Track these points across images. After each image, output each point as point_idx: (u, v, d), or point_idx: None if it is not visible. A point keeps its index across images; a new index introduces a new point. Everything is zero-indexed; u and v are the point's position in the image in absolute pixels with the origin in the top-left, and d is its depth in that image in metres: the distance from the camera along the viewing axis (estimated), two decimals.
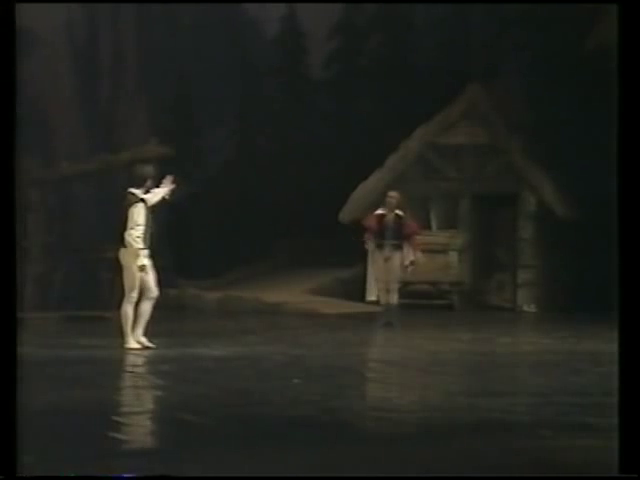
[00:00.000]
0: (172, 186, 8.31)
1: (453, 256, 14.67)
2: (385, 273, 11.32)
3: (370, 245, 11.43)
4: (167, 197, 8.32)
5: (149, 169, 8.34)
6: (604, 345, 8.65)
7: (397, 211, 11.78)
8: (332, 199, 15.47)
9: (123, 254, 8.12)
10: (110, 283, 13.23)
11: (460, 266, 14.69)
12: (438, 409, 5.40)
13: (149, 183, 8.18)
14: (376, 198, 13.78)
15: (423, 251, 14.39)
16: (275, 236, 17.21)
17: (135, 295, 8.15)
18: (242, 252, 16.86)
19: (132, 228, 7.99)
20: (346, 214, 15.02)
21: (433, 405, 5.59)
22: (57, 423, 4.80)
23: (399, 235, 11.34)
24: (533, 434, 4.62)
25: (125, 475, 3.57)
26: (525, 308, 14.46)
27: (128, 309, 8.15)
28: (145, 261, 8.04)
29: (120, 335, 8.20)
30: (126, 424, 4.85)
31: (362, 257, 13.98)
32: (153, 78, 18.14)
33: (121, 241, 8.09)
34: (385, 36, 18.82)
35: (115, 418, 4.90)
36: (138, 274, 8.04)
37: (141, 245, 8.02)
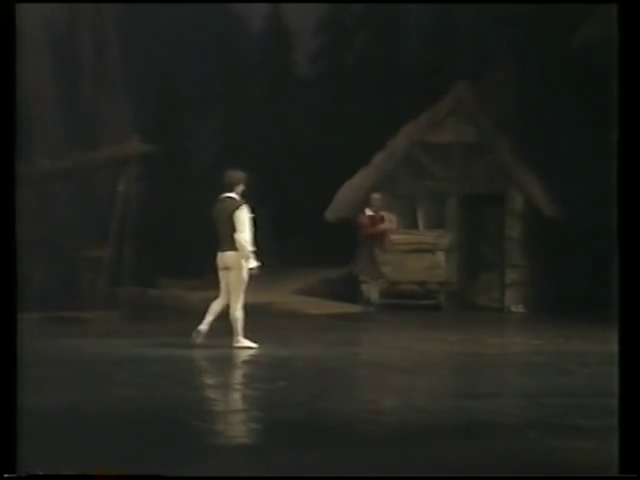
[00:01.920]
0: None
1: (440, 256, 14.69)
2: (376, 272, 11.94)
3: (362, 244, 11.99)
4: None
5: (240, 174, 8.54)
6: (593, 345, 8.69)
7: (382, 213, 12.23)
8: (318, 198, 15.45)
9: (230, 257, 8.33)
10: (91, 283, 13.17)
11: (447, 266, 14.71)
12: (425, 411, 5.41)
13: (240, 187, 8.42)
14: (362, 197, 13.80)
15: (410, 251, 14.54)
16: (260, 235, 17.13)
17: (243, 297, 8.43)
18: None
19: (242, 231, 8.23)
20: (331, 213, 15.01)
21: (419, 407, 5.59)
22: (38, 423, 4.77)
23: (383, 235, 12.04)
24: (521, 436, 4.63)
25: (122, 475, 3.66)
26: (513, 308, 14.49)
27: (239, 312, 8.44)
28: (255, 264, 8.29)
29: (232, 335, 8.45)
30: (104, 423, 4.82)
31: (349, 257, 13.98)
32: (136, 75, 18.06)
33: (227, 244, 8.29)
34: (372, 33, 18.83)
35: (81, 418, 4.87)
36: (246, 276, 8.31)
37: (252, 248, 8.26)
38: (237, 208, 8.29)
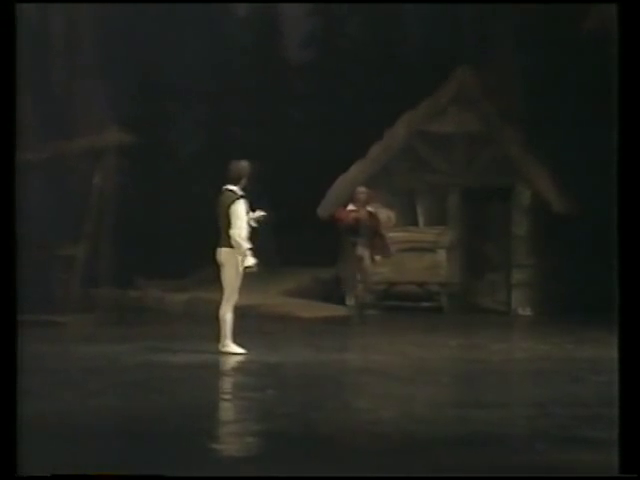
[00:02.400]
0: (262, 213, 8.60)
1: (441, 254, 14.69)
2: (359, 274, 11.86)
3: (345, 241, 11.92)
4: (253, 224, 8.58)
5: (244, 166, 8.56)
6: (605, 351, 8.67)
7: (369, 208, 12.16)
8: (311, 192, 15.42)
9: (224, 253, 8.40)
10: (65, 284, 13.10)
11: (449, 265, 14.71)
12: (425, 421, 5.40)
13: (244, 181, 8.49)
14: (359, 186, 13.75)
15: (409, 250, 14.52)
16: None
17: (236, 297, 8.48)
18: (211, 249, 16.76)
19: (238, 227, 8.26)
20: (324, 209, 14.97)
21: (419, 417, 5.59)
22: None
23: (372, 233, 11.92)
24: (528, 448, 4.62)
25: (122, 475, 3.83)
26: (520, 311, 14.50)
27: (228, 312, 8.45)
28: (253, 261, 8.30)
29: (218, 339, 8.45)
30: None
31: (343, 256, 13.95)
32: (115, 60, 17.99)
33: (222, 240, 8.36)
34: (367, 16, 18.79)
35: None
36: (241, 276, 8.36)
37: (249, 245, 8.28)
38: (233, 202, 8.32)
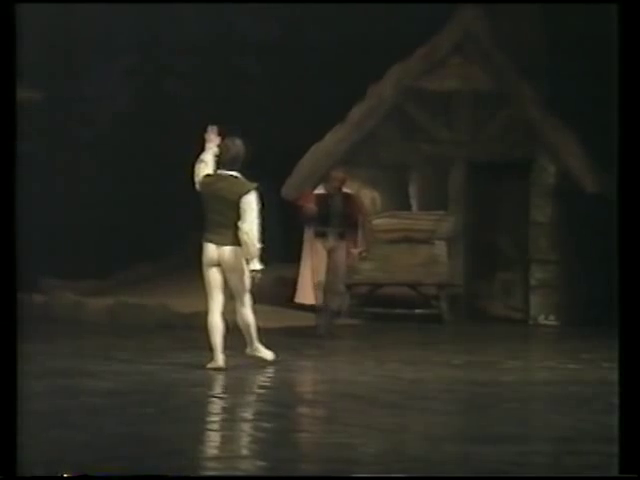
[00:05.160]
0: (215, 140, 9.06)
1: (441, 247, 14.78)
2: (329, 269, 11.84)
3: (308, 232, 11.96)
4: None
5: (241, 146, 9.06)
6: None
7: (345, 189, 12.21)
8: (273, 167, 15.43)
9: (232, 253, 8.80)
10: None
11: (451, 261, 14.81)
12: (421, 459, 5.46)
13: (238, 165, 9.01)
14: (333, 166, 13.80)
15: (399, 241, 14.59)
16: (188, 218, 17.09)
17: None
18: (141, 241, 16.73)
19: (252, 222, 8.74)
20: (291, 189, 15.03)
21: (412, 454, 5.65)
22: None
23: (347, 221, 11.95)
24: None
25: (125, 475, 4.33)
26: (541, 320, 14.63)
27: (250, 315, 8.96)
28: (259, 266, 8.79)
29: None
30: None
31: None
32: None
33: (226, 236, 8.77)
34: None
35: None
36: (249, 279, 8.84)
37: (259, 245, 8.76)
38: (248, 192, 8.80)
